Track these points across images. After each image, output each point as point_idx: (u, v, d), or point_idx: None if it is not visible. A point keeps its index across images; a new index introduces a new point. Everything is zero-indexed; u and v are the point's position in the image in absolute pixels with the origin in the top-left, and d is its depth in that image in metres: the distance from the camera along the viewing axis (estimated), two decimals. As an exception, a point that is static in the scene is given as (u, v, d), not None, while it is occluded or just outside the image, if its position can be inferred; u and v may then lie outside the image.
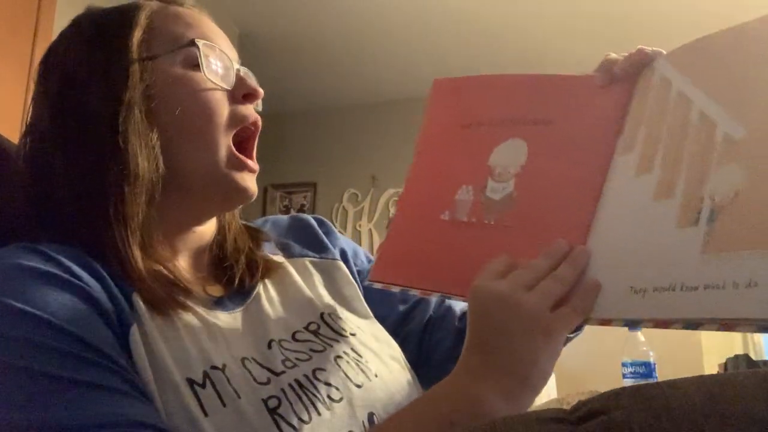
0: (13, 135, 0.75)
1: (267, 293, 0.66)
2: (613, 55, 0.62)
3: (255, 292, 0.65)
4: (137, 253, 0.57)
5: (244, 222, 0.73)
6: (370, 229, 3.80)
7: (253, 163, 0.65)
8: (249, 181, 0.64)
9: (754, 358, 3.36)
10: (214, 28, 0.67)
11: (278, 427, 0.52)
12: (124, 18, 0.63)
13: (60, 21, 2.30)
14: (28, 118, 0.64)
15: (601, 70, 0.61)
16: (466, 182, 0.63)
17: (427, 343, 0.76)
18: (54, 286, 0.50)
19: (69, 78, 0.61)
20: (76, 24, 0.65)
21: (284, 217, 0.81)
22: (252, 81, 0.66)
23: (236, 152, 0.63)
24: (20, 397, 0.45)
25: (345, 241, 0.81)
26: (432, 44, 3.35)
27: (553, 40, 3.26)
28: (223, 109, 0.63)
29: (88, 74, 0.60)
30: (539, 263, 0.52)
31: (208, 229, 0.68)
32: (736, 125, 0.49)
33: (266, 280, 0.67)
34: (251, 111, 0.65)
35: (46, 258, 0.52)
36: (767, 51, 0.49)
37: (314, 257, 0.75)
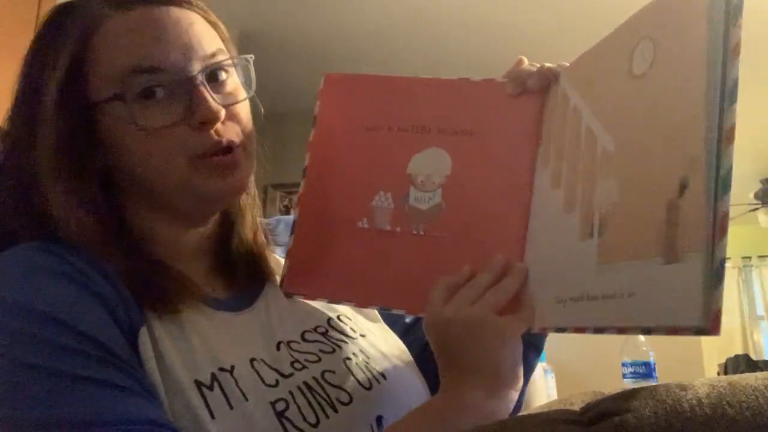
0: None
1: (276, 294, 0.65)
2: (526, 64, 0.63)
3: (263, 293, 0.65)
4: (111, 251, 0.55)
5: (260, 220, 0.71)
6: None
7: (225, 159, 0.57)
8: (224, 182, 0.57)
9: (754, 358, 3.37)
10: (168, 31, 0.56)
11: (285, 430, 0.51)
12: (54, 39, 0.58)
13: (60, 21, 2.29)
14: None
15: (513, 80, 0.63)
16: (384, 189, 0.62)
17: (429, 353, 0.76)
18: (66, 284, 0.50)
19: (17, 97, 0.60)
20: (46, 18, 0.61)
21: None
22: (208, 100, 0.55)
23: (200, 159, 0.56)
24: (34, 395, 0.45)
25: None
26: (432, 44, 3.35)
27: (552, 41, 3.26)
28: (177, 146, 0.55)
29: (19, 89, 0.60)
30: (480, 279, 0.56)
31: (210, 228, 0.66)
32: (610, 138, 0.50)
33: (275, 281, 0.66)
34: (213, 140, 0.56)
35: (59, 258, 0.52)
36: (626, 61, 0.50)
37: None
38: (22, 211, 0.57)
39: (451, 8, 3.02)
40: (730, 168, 0.37)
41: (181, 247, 0.63)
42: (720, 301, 0.35)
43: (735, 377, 0.31)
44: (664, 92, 0.44)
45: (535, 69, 0.62)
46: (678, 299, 0.37)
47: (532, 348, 0.69)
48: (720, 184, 0.37)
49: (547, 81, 0.62)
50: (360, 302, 0.63)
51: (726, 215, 0.36)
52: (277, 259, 0.70)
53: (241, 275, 0.65)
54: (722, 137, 0.37)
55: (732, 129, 0.37)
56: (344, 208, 0.63)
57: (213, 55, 0.58)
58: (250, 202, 0.68)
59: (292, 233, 0.65)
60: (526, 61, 0.63)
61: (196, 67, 0.56)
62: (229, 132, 0.57)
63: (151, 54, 0.55)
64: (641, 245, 0.42)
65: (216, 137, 0.56)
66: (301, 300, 0.66)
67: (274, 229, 0.75)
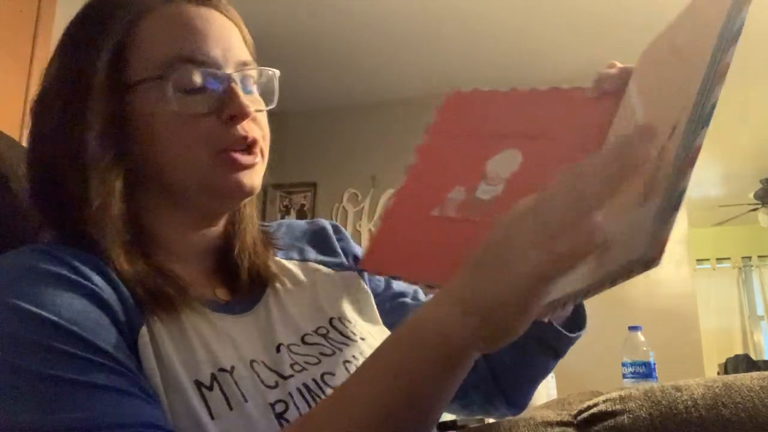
0: (14, 134, 0.75)
1: (277, 298, 0.65)
2: (607, 70, 0.64)
3: (264, 297, 0.65)
4: (118, 251, 0.56)
5: (260, 223, 0.72)
6: (370, 229, 3.80)
7: (246, 158, 0.59)
8: (242, 178, 0.59)
9: (754, 358, 3.37)
10: (213, 30, 0.60)
11: None
12: (99, 27, 0.59)
13: (60, 21, 2.29)
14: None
15: (593, 83, 0.65)
16: (460, 184, 0.68)
17: None
18: (65, 288, 0.50)
19: (46, 86, 0.61)
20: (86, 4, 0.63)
21: (300, 222, 0.80)
22: (242, 97, 0.58)
23: (221, 153, 0.58)
24: (30, 400, 0.45)
25: (358, 247, 0.80)
26: (432, 45, 3.35)
27: (552, 41, 3.26)
28: (204, 137, 0.58)
29: (58, 83, 0.60)
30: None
31: (216, 230, 0.66)
32: (642, 110, 0.52)
33: (276, 285, 0.67)
34: (240, 135, 0.58)
35: (58, 261, 0.52)
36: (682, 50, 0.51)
37: (327, 262, 0.74)
38: (51, 198, 0.59)
39: (450, 9, 3.02)
40: (714, 104, 0.36)
41: (186, 249, 0.63)
42: (667, 232, 0.34)
43: (730, 378, 0.31)
44: (685, 64, 0.46)
45: (614, 71, 0.63)
46: (634, 235, 0.36)
47: (550, 350, 0.69)
48: (701, 118, 0.36)
49: (621, 81, 0.61)
50: (421, 280, 0.67)
51: (698, 149, 0.35)
52: (279, 262, 0.70)
53: (242, 279, 0.65)
54: (716, 74, 0.37)
55: (726, 66, 0.37)
56: (424, 200, 0.69)
57: (246, 64, 0.62)
58: (250, 209, 0.69)
59: (381, 219, 0.70)
60: (617, 64, 0.64)
61: (232, 68, 0.60)
62: (254, 131, 0.60)
63: (195, 46, 0.58)
64: (634, 195, 0.40)
65: (242, 132, 0.59)
66: (309, 302, 0.68)
67: (274, 233, 0.75)
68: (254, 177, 0.60)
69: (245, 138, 0.59)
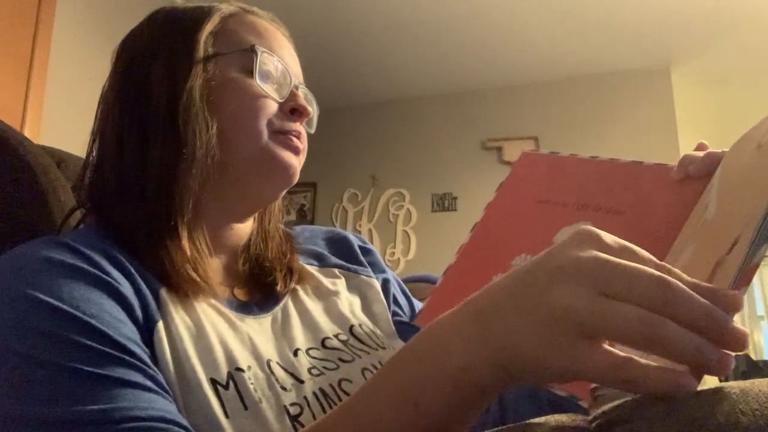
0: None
1: (296, 301, 0.66)
2: (693, 152, 0.61)
3: (284, 300, 0.65)
4: (184, 240, 0.58)
5: (283, 228, 0.74)
6: (370, 229, 3.80)
7: (297, 143, 0.66)
8: (291, 159, 0.65)
9: (754, 358, 3.37)
10: (283, 43, 0.69)
11: None
12: (198, 13, 0.66)
13: (60, 21, 2.29)
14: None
15: (679, 164, 0.61)
16: (527, 251, 0.65)
17: None
18: (81, 280, 0.50)
19: (136, 57, 0.65)
20: (155, 13, 0.68)
21: (322, 228, 0.82)
22: (304, 100, 0.67)
23: (279, 134, 0.64)
24: (45, 391, 0.45)
25: (390, 272, 0.81)
26: (432, 45, 3.35)
27: (552, 41, 3.26)
28: (268, 115, 0.64)
29: (154, 55, 0.63)
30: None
31: (245, 228, 0.68)
32: (714, 208, 0.49)
33: (297, 289, 0.67)
34: (297, 126, 0.66)
35: (73, 252, 0.52)
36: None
37: (348, 270, 0.75)
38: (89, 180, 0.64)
39: (451, 9, 3.02)
40: None
41: (216, 245, 0.64)
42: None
43: (746, 383, 0.31)
44: (765, 168, 0.43)
45: (701, 155, 0.59)
46: None
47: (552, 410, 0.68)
48: (761, 234, 0.35)
49: (708, 167, 0.58)
50: None
51: (755, 266, 0.34)
52: (302, 266, 0.70)
53: (264, 279, 0.65)
54: None
55: None
56: (489, 261, 0.67)
57: (301, 83, 0.71)
58: (278, 212, 0.73)
59: (444, 275, 0.68)
60: (707, 145, 0.61)
61: (300, 80, 0.70)
62: (303, 129, 0.68)
63: (275, 48, 0.67)
64: None
65: (298, 125, 0.66)
66: (329, 308, 0.68)
67: (297, 237, 0.76)
68: (298, 165, 0.66)
69: (298, 131, 0.66)
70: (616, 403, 0.32)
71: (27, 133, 2.08)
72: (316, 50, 3.41)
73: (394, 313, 0.75)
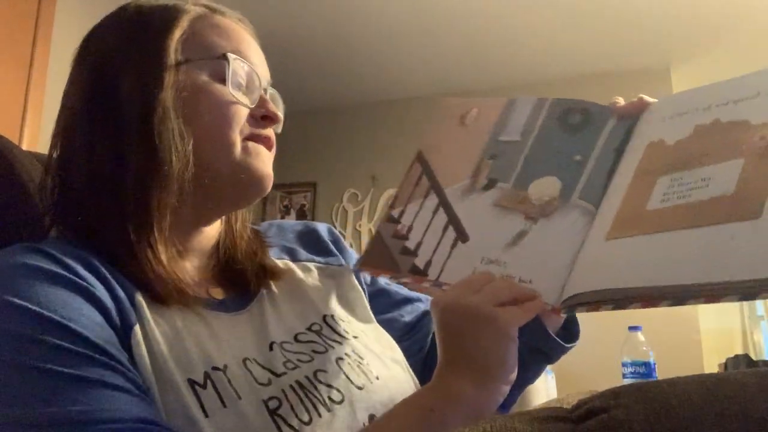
0: (14, 135, 0.75)
1: (270, 296, 0.66)
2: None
3: (258, 296, 0.66)
4: (159, 248, 0.58)
5: (252, 226, 0.74)
6: (370, 229, 3.80)
7: (266, 149, 0.66)
8: (266, 168, 0.65)
9: (754, 358, 3.37)
10: (251, 44, 0.68)
11: (278, 428, 0.52)
12: (167, 16, 0.64)
13: (60, 22, 2.30)
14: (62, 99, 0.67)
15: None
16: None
17: (432, 354, 0.77)
18: (58, 285, 0.51)
19: (104, 62, 0.63)
20: (121, 11, 0.66)
21: (291, 222, 0.82)
22: (273, 105, 0.67)
23: (248, 141, 0.64)
24: (25, 394, 0.45)
25: (354, 255, 0.82)
26: (431, 45, 3.35)
27: (552, 41, 3.26)
28: (240, 122, 0.64)
29: (123, 62, 0.62)
30: (488, 273, 0.59)
31: (213, 230, 0.68)
32: None
33: (271, 284, 0.68)
34: (267, 132, 0.66)
35: (50, 258, 0.53)
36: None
37: (320, 262, 0.75)
38: (56, 189, 0.62)
39: (450, 9, 3.02)
40: None
41: (187, 247, 0.64)
42: None
43: (723, 374, 0.31)
44: None
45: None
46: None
47: (540, 354, 0.70)
48: None
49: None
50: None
51: None
52: (272, 261, 0.71)
53: (237, 278, 0.66)
54: None
55: None
56: None
57: (269, 82, 0.70)
58: (245, 211, 0.72)
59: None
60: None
61: (264, 82, 0.68)
62: (272, 133, 0.68)
63: (244, 50, 0.66)
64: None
65: (268, 130, 0.67)
66: (302, 300, 0.68)
67: (265, 233, 0.77)
68: (271, 171, 0.66)
69: (269, 137, 0.67)
70: (595, 394, 0.32)
71: (27, 134, 2.08)
72: (316, 50, 3.42)
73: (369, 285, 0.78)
